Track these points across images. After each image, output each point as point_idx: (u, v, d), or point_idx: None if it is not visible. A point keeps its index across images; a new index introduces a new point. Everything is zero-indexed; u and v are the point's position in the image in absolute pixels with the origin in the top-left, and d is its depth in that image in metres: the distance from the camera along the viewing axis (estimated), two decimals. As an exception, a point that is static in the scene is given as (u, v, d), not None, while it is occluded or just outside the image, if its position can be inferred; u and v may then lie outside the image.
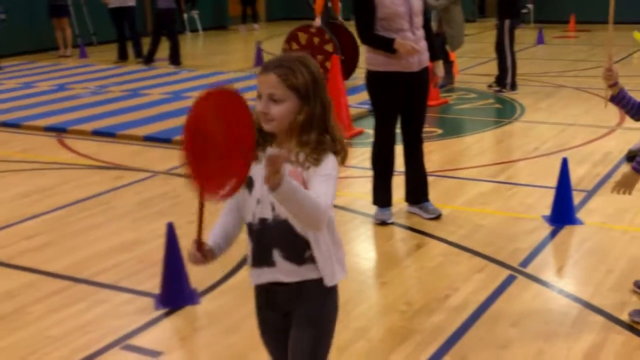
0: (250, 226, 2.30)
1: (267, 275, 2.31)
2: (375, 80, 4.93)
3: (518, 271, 4.25)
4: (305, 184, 2.14)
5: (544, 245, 4.64)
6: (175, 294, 3.95)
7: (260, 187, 2.22)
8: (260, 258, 2.31)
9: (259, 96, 2.20)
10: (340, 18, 10.76)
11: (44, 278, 4.35)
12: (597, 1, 15.15)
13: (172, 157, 6.88)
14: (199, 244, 2.22)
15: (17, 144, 7.68)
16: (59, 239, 4.97)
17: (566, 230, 4.85)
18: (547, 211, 5.06)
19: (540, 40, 14.58)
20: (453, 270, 4.31)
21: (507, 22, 9.36)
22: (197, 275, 4.20)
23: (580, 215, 5.06)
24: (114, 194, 5.89)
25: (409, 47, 4.72)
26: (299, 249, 2.25)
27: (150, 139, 7.55)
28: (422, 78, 4.94)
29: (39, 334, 3.70)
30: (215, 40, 17.47)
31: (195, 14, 18.26)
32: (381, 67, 4.84)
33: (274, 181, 1.94)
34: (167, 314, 3.86)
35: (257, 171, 2.18)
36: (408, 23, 4.78)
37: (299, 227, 2.22)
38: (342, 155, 2.23)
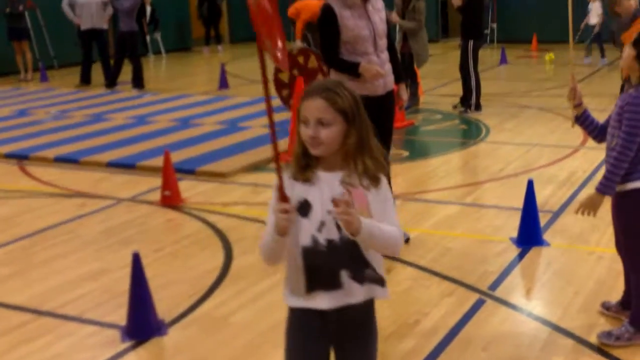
0: (306, 250, 2.26)
1: (333, 299, 2.27)
2: None
3: (487, 294, 4.25)
4: (368, 205, 2.20)
5: (512, 267, 4.65)
6: (141, 325, 3.87)
7: (321, 209, 2.23)
8: (323, 281, 2.27)
9: (305, 121, 2.23)
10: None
11: (7, 311, 4.24)
12: (557, 21, 15.45)
13: (137, 184, 6.80)
14: (281, 190, 2.19)
15: (-22, 172, 7.54)
16: (22, 270, 4.86)
17: (533, 251, 4.87)
18: (515, 233, 5.08)
19: (503, 60, 14.76)
20: (422, 295, 4.30)
21: (471, 43, 9.46)
22: (165, 306, 4.13)
23: (547, 236, 5.09)
24: (78, 223, 5.79)
25: (374, 71, 4.73)
26: (362, 268, 2.28)
27: (114, 164, 7.45)
28: (387, 101, 4.94)
29: (1, 370, 3.60)
30: (179, 63, 17.41)
31: (157, 36, 18.20)
32: None
33: (352, 229, 2.07)
34: (133, 346, 3.78)
35: (314, 194, 2.24)
36: (372, 46, 4.79)
37: (363, 246, 2.26)
38: (386, 175, 2.30)
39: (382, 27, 4.86)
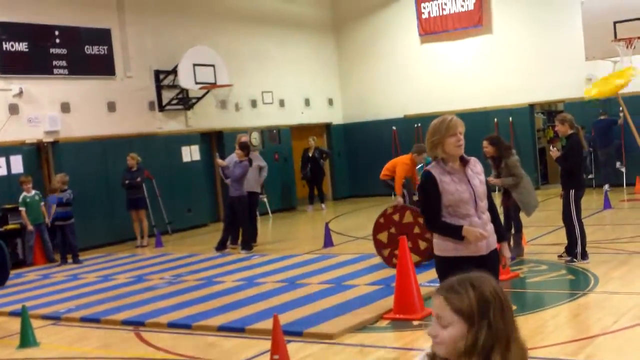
0: None
1: None
2: (445, 265, 5.01)
3: None
4: None
5: None
6: None
7: None
8: None
9: (432, 319, 2.22)
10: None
11: None
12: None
13: (246, 347, 6.95)
14: None
15: (96, 340, 7.88)
16: None
17: (654, 411, 4.66)
18: (632, 391, 4.89)
19: (607, 205, 14.53)
20: None
21: (572, 192, 9.43)
22: None
23: (667, 394, 4.87)
24: (191, 389, 5.94)
25: (477, 233, 4.83)
26: None
27: (224, 329, 7.66)
28: (491, 260, 5.00)
29: None
30: (285, 222, 17.94)
31: (264, 197, 18.93)
32: (450, 253, 4.94)
33: None
34: None
35: None
36: (473, 208, 4.92)
37: None
38: None
39: (482, 189, 5.00)
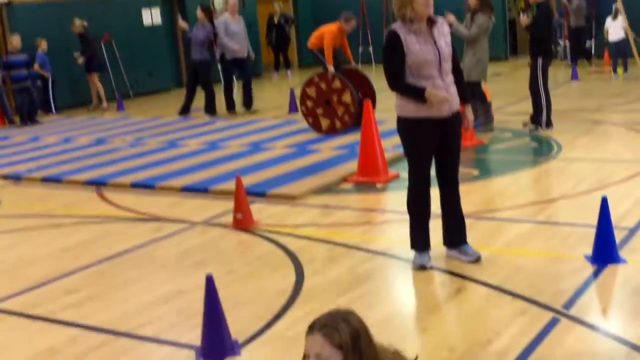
0: None
1: None
2: (406, 127, 4.95)
3: (561, 313, 4.18)
4: None
5: (587, 285, 4.56)
6: (215, 345, 3.95)
7: None
8: None
9: (306, 356, 2.36)
10: (353, 63, 10.91)
11: (86, 332, 4.39)
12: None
13: (209, 207, 6.94)
14: None
15: (58, 199, 7.82)
16: (101, 293, 5.02)
17: (609, 269, 4.77)
18: (589, 250, 4.98)
19: (574, 76, 14.52)
20: (495, 314, 4.25)
21: (539, 60, 9.34)
22: (238, 326, 4.21)
23: (623, 253, 4.97)
24: (154, 246, 5.95)
25: (440, 96, 4.74)
26: None
27: (188, 189, 7.63)
28: (453, 123, 4.94)
29: (83, 389, 3.72)
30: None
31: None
32: (412, 114, 4.86)
33: None
34: (208, 366, 3.86)
35: None
36: (437, 70, 4.81)
37: None
38: None
39: (447, 51, 4.87)
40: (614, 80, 14.31)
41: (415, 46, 4.76)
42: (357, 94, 10.13)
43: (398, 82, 4.85)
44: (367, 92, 10.48)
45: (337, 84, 10.16)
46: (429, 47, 4.78)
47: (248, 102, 13.21)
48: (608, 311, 4.27)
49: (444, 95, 4.75)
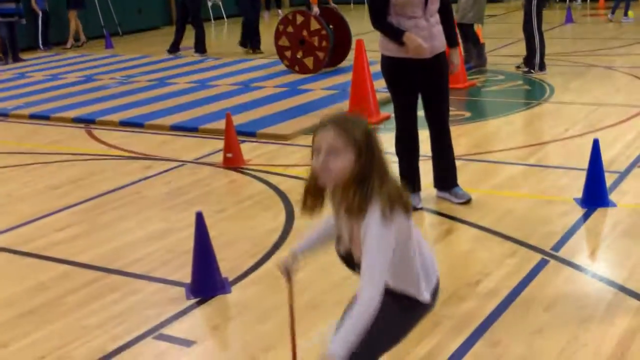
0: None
1: None
2: (388, 65, 4.91)
3: (550, 255, 4.20)
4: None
5: (576, 228, 4.58)
6: (205, 283, 3.96)
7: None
8: None
9: (317, 151, 2.25)
10: (332, 3, 10.73)
11: (77, 269, 4.39)
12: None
13: (199, 146, 6.90)
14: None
15: (46, 136, 7.75)
16: (90, 230, 5.01)
17: (599, 212, 4.78)
18: (579, 193, 4.99)
19: (569, 19, 14.38)
20: (484, 256, 4.27)
21: (534, 2, 9.21)
22: (228, 264, 4.22)
23: (613, 197, 4.99)
24: (143, 184, 5.92)
25: (417, 43, 4.67)
26: None
27: (177, 128, 7.57)
28: (436, 64, 4.85)
29: (74, 324, 3.73)
30: (240, 28, 17.38)
31: (219, 1, 18.24)
32: (393, 53, 4.81)
33: None
34: (198, 303, 3.87)
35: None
36: (421, 10, 4.73)
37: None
38: (402, 207, 2.25)
39: None
40: (606, 24, 14.18)
41: None
42: (330, 32, 9.97)
43: (380, 20, 4.80)
44: (343, 35, 10.29)
45: (313, 24, 9.95)
46: None
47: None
48: (596, 253, 4.30)
49: (420, 43, 4.67)
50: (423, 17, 4.73)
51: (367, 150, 2.22)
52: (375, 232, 2.18)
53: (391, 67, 4.88)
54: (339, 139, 2.21)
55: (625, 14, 14.07)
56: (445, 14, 4.92)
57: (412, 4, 4.67)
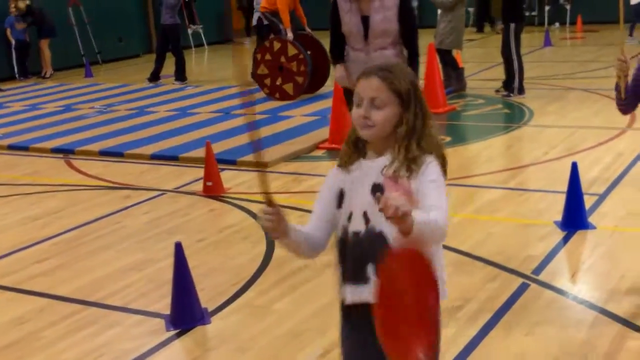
0: (339, 242, 2.22)
1: (355, 294, 2.18)
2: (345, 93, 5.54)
3: (531, 279, 4.20)
4: (412, 195, 2.03)
5: (556, 251, 4.59)
6: (185, 314, 3.92)
7: (349, 200, 2.17)
8: (350, 274, 2.19)
9: (359, 102, 2.13)
10: (307, 29, 10.77)
11: (55, 302, 4.33)
12: (603, 2, 15.11)
13: (179, 175, 6.87)
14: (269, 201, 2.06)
15: (25, 167, 7.69)
16: (69, 262, 4.96)
17: (578, 235, 4.80)
18: (559, 216, 5.00)
19: (547, 42, 14.52)
20: (465, 280, 4.26)
21: (512, 26, 9.31)
22: (207, 294, 4.18)
23: (592, 219, 5.00)
24: (123, 214, 5.88)
25: (337, 74, 5.25)
26: None
27: (157, 157, 7.54)
28: None
29: (52, 358, 3.68)
30: (221, 54, 17.49)
31: (199, 28, 18.29)
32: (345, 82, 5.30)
33: (405, 229, 1.86)
34: (178, 335, 3.83)
35: (347, 183, 2.17)
36: (361, 43, 4.99)
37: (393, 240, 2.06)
38: (441, 164, 2.13)
39: (381, 27, 4.93)
40: (585, 47, 14.33)
41: (345, 15, 5.07)
42: (309, 58, 10.01)
43: (331, 47, 5.23)
44: (321, 60, 10.29)
45: (290, 49, 9.96)
46: (355, 19, 4.97)
47: None
48: (577, 276, 4.30)
49: (340, 76, 5.21)
50: (363, 49, 4.99)
51: (414, 102, 2.12)
52: (439, 180, 2.05)
53: (346, 96, 5.43)
54: (382, 89, 2.10)
55: (630, 34, 14.14)
56: (409, 46, 5.12)
57: (352, 35, 4.99)
